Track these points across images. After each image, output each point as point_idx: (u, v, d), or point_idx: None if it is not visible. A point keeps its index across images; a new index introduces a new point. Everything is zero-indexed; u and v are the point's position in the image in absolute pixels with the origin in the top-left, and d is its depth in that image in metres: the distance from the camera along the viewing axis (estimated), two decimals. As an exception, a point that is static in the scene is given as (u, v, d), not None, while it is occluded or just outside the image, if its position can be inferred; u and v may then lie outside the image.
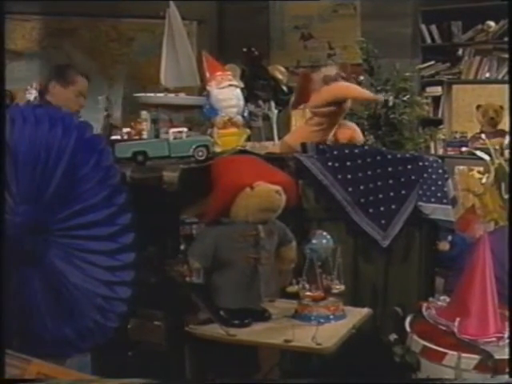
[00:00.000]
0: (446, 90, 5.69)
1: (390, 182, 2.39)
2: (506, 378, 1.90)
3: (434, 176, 2.45)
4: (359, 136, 2.75)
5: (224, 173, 1.85)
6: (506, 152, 5.20)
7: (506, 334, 2.05)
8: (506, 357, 1.93)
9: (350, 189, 2.34)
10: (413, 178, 2.41)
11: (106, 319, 1.78)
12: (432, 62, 5.70)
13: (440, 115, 5.68)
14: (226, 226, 1.85)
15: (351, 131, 2.72)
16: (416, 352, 2.02)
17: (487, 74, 5.56)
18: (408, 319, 2.16)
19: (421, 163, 2.44)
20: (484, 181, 2.84)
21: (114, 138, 2.83)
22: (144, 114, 4.04)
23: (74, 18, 5.84)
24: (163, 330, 1.82)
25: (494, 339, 2.02)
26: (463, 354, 1.94)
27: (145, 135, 2.78)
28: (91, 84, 5.86)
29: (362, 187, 2.35)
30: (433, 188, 2.44)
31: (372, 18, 5.71)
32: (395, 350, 2.06)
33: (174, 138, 1.94)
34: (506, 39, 5.43)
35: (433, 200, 2.43)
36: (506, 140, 5.31)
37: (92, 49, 5.96)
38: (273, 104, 3.36)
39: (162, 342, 1.83)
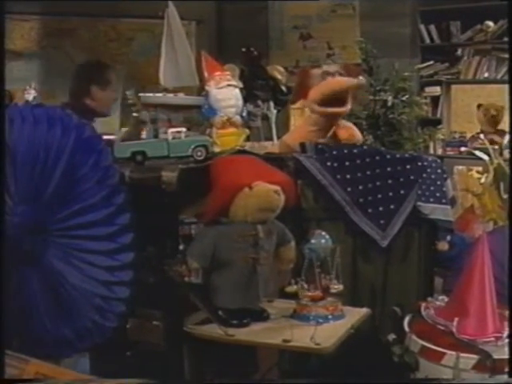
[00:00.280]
0: (445, 89, 5.71)
1: (389, 181, 2.39)
2: (504, 378, 1.91)
3: (432, 176, 2.45)
4: (358, 134, 2.75)
5: (223, 173, 1.85)
6: (505, 152, 5.23)
7: (505, 334, 2.05)
8: (505, 357, 1.93)
9: (348, 189, 2.33)
10: (412, 177, 2.41)
11: (104, 319, 1.79)
12: (431, 62, 5.72)
13: (439, 115, 5.70)
14: (225, 226, 1.85)
15: (350, 129, 2.73)
16: (415, 352, 2.02)
17: (486, 74, 5.58)
18: (407, 319, 2.16)
19: (420, 163, 2.44)
20: (483, 181, 2.84)
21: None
22: (143, 113, 4.03)
23: (73, 18, 5.85)
24: (162, 329, 1.82)
25: (492, 339, 2.02)
26: (462, 354, 1.94)
27: (144, 135, 2.78)
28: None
29: (360, 187, 2.35)
30: (432, 188, 2.44)
31: (371, 18, 5.72)
32: (394, 350, 2.05)
33: (173, 138, 1.94)
34: (504, 39, 5.44)
35: (432, 200, 2.42)
36: (505, 140, 5.33)
37: (91, 49, 5.96)
38: (272, 104, 3.36)
39: (161, 342, 1.82)
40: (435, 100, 5.66)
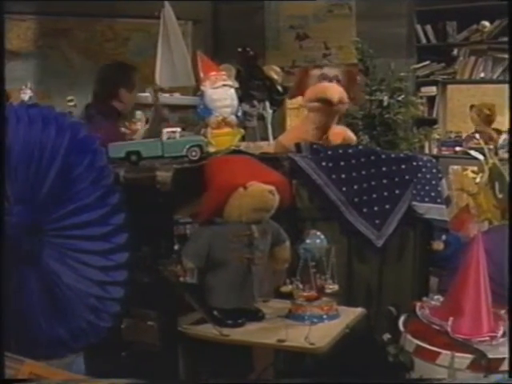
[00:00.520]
0: (441, 89, 5.72)
1: (384, 181, 2.39)
2: (498, 377, 1.92)
3: (427, 176, 2.46)
4: (351, 137, 2.76)
5: (217, 173, 1.86)
6: (500, 152, 5.24)
7: (500, 334, 2.05)
8: (500, 356, 1.94)
9: (343, 188, 2.34)
10: (407, 177, 2.41)
11: (99, 319, 1.79)
12: (427, 62, 5.73)
13: (435, 115, 5.71)
14: (220, 226, 1.85)
15: (343, 132, 2.73)
16: (410, 351, 2.03)
17: (482, 74, 5.58)
18: (402, 319, 2.16)
19: (415, 163, 2.44)
20: (478, 180, 2.84)
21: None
22: (139, 113, 4.03)
23: (70, 17, 5.84)
24: (156, 330, 1.82)
25: (487, 338, 2.03)
26: (456, 354, 1.94)
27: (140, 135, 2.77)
28: (86, 84, 5.88)
29: (355, 187, 2.35)
30: (427, 188, 2.44)
31: (367, 18, 5.73)
32: (389, 350, 2.06)
33: (168, 138, 1.94)
34: (500, 39, 5.45)
35: (427, 200, 2.43)
36: (500, 140, 5.35)
37: (87, 49, 5.96)
38: (268, 104, 3.36)
39: (156, 342, 1.82)
40: (431, 100, 5.67)
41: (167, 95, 4.39)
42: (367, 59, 4.37)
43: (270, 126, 3.22)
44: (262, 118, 3.40)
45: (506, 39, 5.43)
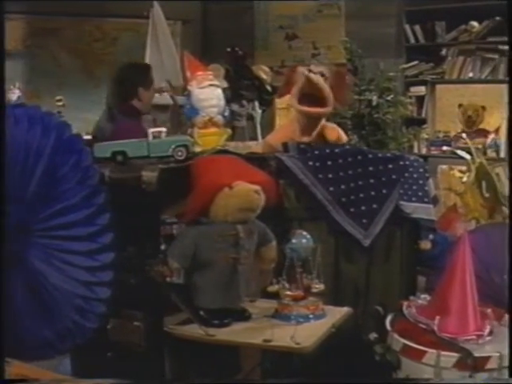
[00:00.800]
0: (430, 89, 5.72)
1: (371, 181, 2.39)
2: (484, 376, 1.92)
3: (415, 175, 2.46)
4: (344, 137, 2.77)
5: (203, 173, 1.85)
6: (489, 151, 5.27)
7: (486, 332, 2.06)
8: (486, 354, 1.95)
9: (331, 188, 2.34)
10: (394, 177, 2.42)
11: (85, 320, 1.78)
12: (416, 62, 5.73)
13: (424, 115, 5.71)
14: (206, 226, 1.85)
15: (338, 131, 2.74)
16: (396, 350, 2.03)
17: (470, 74, 5.59)
18: (389, 318, 2.17)
19: (402, 162, 2.45)
20: (465, 180, 2.86)
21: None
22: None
23: (58, 17, 5.81)
24: (143, 330, 1.82)
25: (473, 337, 2.04)
26: (442, 352, 1.95)
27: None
28: (76, 84, 5.86)
29: (343, 186, 2.36)
30: (414, 187, 2.45)
31: (356, 18, 5.74)
32: (376, 349, 2.06)
33: (154, 138, 1.94)
34: (489, 39, 5.47)
35: (414, 199, 2.44)
36: (489, 139, 5.37)
37: (76, 48, 5.93)
38: (257, 104, 3.36)
39: (142, 343, 1.82)
40: (420, 100, 5.68)
41: (157, 95, 4.39)
42: (356, 59, 4.36)
43: (259, 126, 3.22)
44: (251, 117, 3.39)
45: (494, 39, 5.45)
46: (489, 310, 2.15)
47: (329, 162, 2.35)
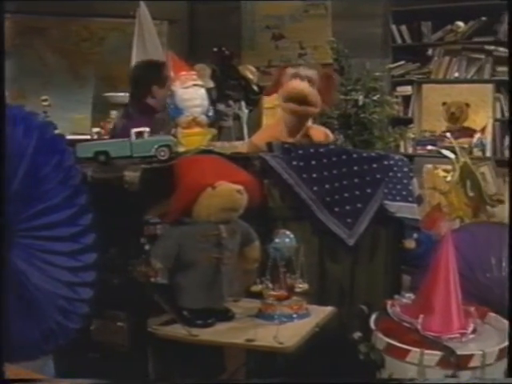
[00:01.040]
0: (416, 89, 5.75)
1: (356, 180, 2.40)
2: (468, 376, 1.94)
3: (399, 174, 2.47)
4: (331, 136, 2.78)
5: (186, 173, 1.85)
6: (475, 150, 5.29)
7: (469, 330, 2.08)
8: (469, 352, 1.96)
9: (315, 188, 2.34)
10: (378, 176, 2.42)
11: (68, 320, 1.77)
12: (402, 62, 5.75)
13: (410, 114, 5.74)
14: (188, 226, 1.84)
15: (324, 132, 2.75)
16: (380, 349, 2.04)
17: (456, 74, 5.62)
18: (373, 317, 2.17)
19: (386, 162, 2.46)
20: (449, 179, 2.87)
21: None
22: (114, 113, 4.01)
23: (45, 16, 5.79)
24: (126, 330, 1.81)
25: (457, 335, 2.05)
26: (426, 351, 1.96)
27: (115, 135, 2.75)
28: (62, 84, 5.84)
29: (327, 186, 2.36)
30: (398, 186, 2.46)
31: (343, 19, 5.75)
32: (360, 348, 2.07)
33: (136, 138, 1.93)
34: (474, 39, 5.50)
35: (398, 198, 2.44)
36: (475, 138, 5.40)
37: (63, 48, 5.91)
38: (243, 104, 3.36)
39: (125, 343, 1.82)
40: (406, 99, 5.71)
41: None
42: (342, 59, 4.37)
43: (245, 126, 3.22)
44: (237, 117, 3.39)
45: (480, 39, 5.48)
46: (472, 309, 2.16)
47: (313, 162, 2.35)
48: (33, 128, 1.75)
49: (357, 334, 2.10)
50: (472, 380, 1.94)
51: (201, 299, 1.85)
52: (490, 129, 5.36)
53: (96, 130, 4.94)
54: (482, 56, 5.49)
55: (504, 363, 1.97)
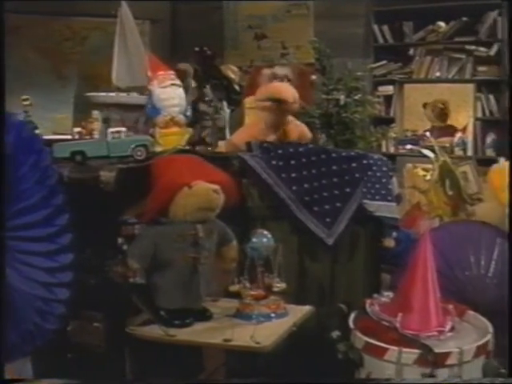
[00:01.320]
0: (398, 89, 5.77)
1: (335, 180, 2.41)
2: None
3: (378, 174, 2.48)
4: (308, 134, 2.78)
5: (163, 172, 1.85)
6: (456, 150, 5.32)
7: (447, 328, 2.09)
8: (446, 350, 1.97)
9: (294, 187, 2.34)
10: (357, 176, 2.43)
11: (45, 321, 1.75)
12: (384, 62, 5.77)
13: (392, 114, 5.75)
14: (165, 226, 1.84)
15: (301, 128, 2.74)
16: (359, 348, 2.04)
17: (438, 74, 5.65)
18: (352, 316, 2.18)
19: (365, 161, 2.47)
20: (428, 178, 2.89)
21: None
22: (95, 113, 3.98)
23: (27, 15, 5.75)
24: (102, 331, 1.80)
25: (435, 333, 2.06)
26: (404, 349, 1.96)
27: (96, 135, 2.75)
28: (43, 83, 5.80)
29: (306, 185, 2.36)
30: (377, 186, 2.47)
31: (325, 18, 5.76)
32: (339, 347, 2.07)
33: (113, 138, 1.92)
34: (455, 39, 5.53)
35: (377, 198, 2.46)
36: (456, 138, 5.43)
37: (45, 47, 5.87)
38: (225, 103, 3.35)
39: (102, 344, 1.81)
40: (388, 99, 5.72)
41: (124, 94, 4.36)
42: (324, 59, 4.37)
43: (227, 125, 3.21)
44: (219, 117, 3.36)
45: (461, 39, 5.51)
46: (451, 307, 2.17)
47: (292, 161, 2.36)
48: (9, 127, 1.74)
49: (335, 333, 2.10)
50: (450, 379, 1.95)
51: (178, 299, 1.85)
52: (471, 128, 5.39)
53: (77, 129, 4.90)
54: (463, 56, 5.52)
55: (481, 360, 1.99)
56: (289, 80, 2.62)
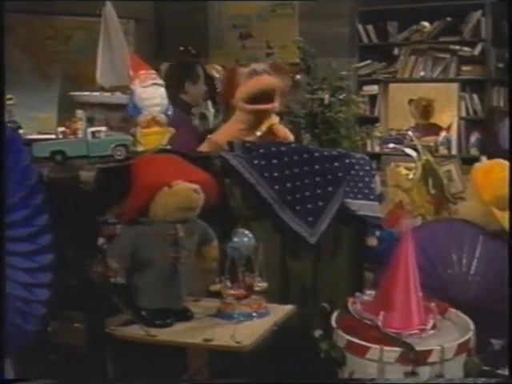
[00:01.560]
0: (383, 88, 5.80)
1: (317, 179, 2.41)
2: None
3: (361, 173, 2.49)
4: (291, 137, 2.78)
5: (143, 172, 1.84)
6: (441, 148, 5.36)
7: (429, 326, 2.09)
8: (428, 348, 1.98)
9: (276, 186, 2.34)
10: (339, 175, 2.43)
11: (26, 323, 1.74)
12: (369, 61, 5.81)
13: (376, 113, 5.79)
14: (145, 226, 1.84)
15: (285, 131, 2.75)
16: (341, 347, 2.05)
17: (422, 73, 5.69)
18: (334, 315, 2.18)
19: (347, 160, 2.47)
20: (411, 177, 2.90)
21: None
22: (79, 113, 3.96)
23: (10, 14, 5.71)
24: (83, 331, 1.80)
25: (416, 331, 2.06)
26: (386, 348, 1.97)
27: (80, 134, 2.73)
28: (27, 82, 5.76)
29: (288, 185, 2.36)
30: (360, 185, 2.47)
31: (310, 18, 5.79)
32: (321, 346, 2.07)
33: (93, 137, 1.91)
34: (440, 39, 5.57)
35: (360, 196, 2.46)
36: (440, 137, 5.47)
37: (29, 46, 5.84)
38: (209, 103, 3.35)
39: (83, 344, 1.80)
40: (373, 98, 5.77)
41: (108, 94, 4.36)
42: (309, 58, 4.37)
43: (211, 125, 3.21)
44: (204, 116, 3.38)
45: (445, 39, 5.55)
46: (432, 304, 2.18)
47: (274, 161, 2.35)
48: (-13, 127, 1.73)
49: (318, 332, 2.10)
50: (432, 380, 1.96)
51: (159, 299, 1.85)
52: (455, 127, 5.44)
53: (61, 129, 4.88)
54: (448, 55, 5.57)
55: (463, 358, 2.00)
56: (268, 74, 2.61)
